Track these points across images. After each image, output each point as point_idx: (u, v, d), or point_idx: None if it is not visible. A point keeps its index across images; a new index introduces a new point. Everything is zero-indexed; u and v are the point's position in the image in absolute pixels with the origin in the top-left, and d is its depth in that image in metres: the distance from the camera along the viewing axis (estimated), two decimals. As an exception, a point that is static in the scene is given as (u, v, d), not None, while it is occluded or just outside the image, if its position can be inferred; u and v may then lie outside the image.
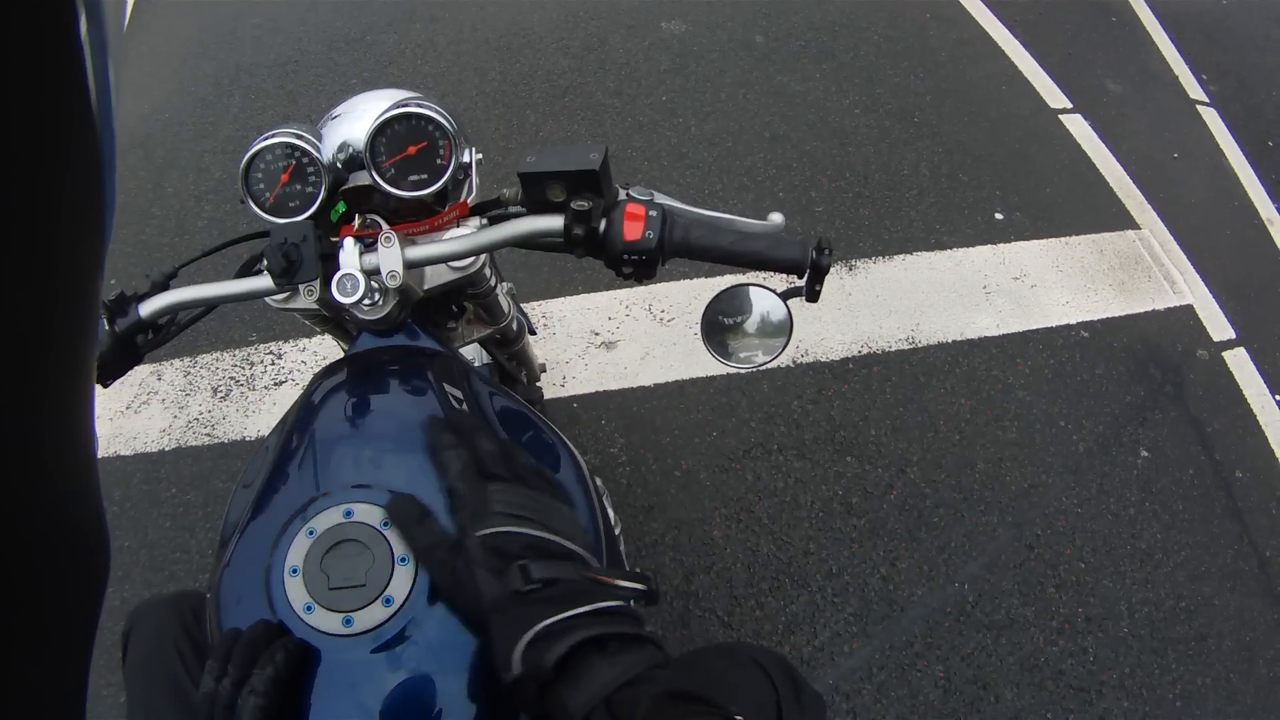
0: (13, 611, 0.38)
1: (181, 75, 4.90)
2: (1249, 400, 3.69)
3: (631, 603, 0.97)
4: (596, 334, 3.43)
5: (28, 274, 0.35)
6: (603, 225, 1.22)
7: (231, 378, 3.37)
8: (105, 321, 1.32)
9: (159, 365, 3.41)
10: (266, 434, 3.13)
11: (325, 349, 3.38)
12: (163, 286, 1.37)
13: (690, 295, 3.50)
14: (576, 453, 1.39)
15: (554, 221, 1.24)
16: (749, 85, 4.74)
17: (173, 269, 1.42)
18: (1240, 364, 3.82)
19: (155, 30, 5.35)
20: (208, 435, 3.20)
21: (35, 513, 0.39)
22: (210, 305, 1.37)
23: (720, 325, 1.35)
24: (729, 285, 1.34)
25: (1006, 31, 5.58)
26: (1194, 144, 5.10)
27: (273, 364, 3.39)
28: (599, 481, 1.46)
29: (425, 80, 4.74)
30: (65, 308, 0.39)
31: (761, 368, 1.34)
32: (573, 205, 1.21)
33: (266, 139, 1.33)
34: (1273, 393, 3.74)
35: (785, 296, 1.31)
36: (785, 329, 1.32)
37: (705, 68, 4.85)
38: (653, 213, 1.21)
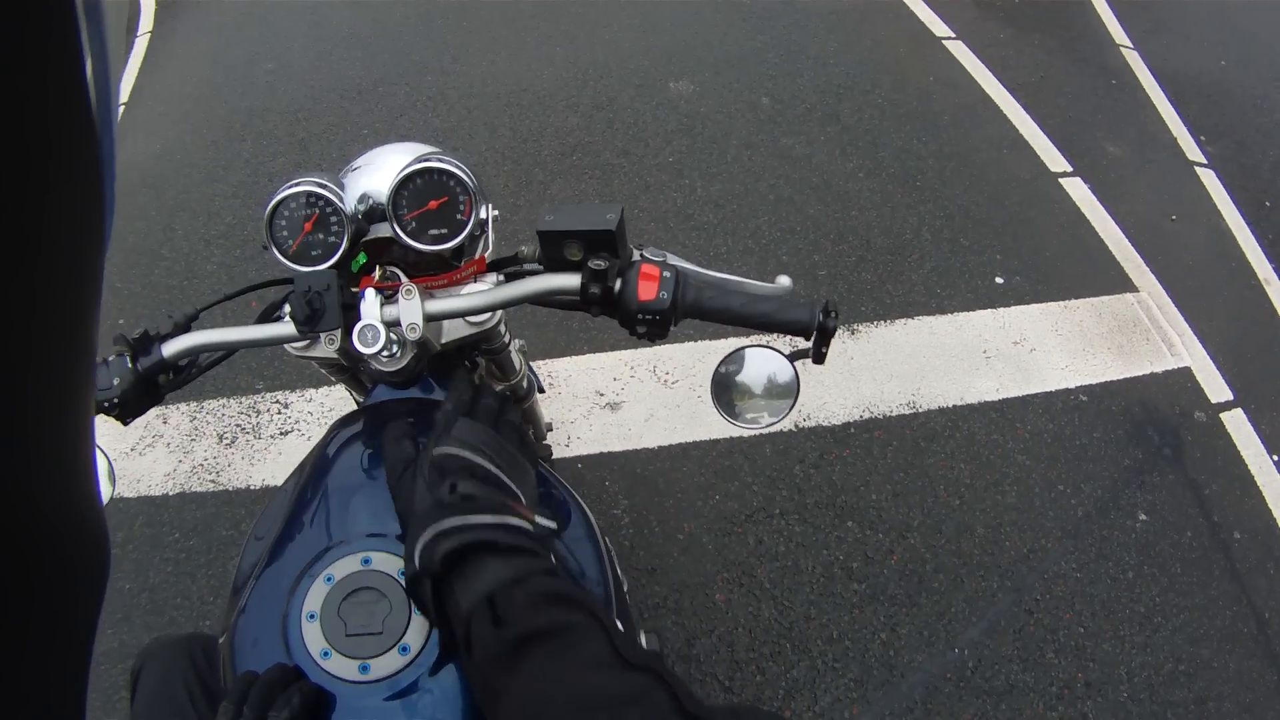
0: (13, 612, 0.39)
1: (194, 117, 5.00)
2: (1247, 461, 3.72)
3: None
4: (601, 395, 3.47)
5: (27, 275, 0.36)
6: (618, 285, 1.24)
7: (238, 425, 3.41)
8: (129, 359, 1.32)
9: (165, 409, 3.44)
10: (271, 483, 3.18)
11: (332, 400, 3.43)
12: (184, 328, 1.38)
13: (695, 358, 3.55)
14: (587, 510, 1.42)
15: (571, 280, 1.26)
16: (755, 147, 4.82)
17: (195, 311, 1.44)
18: (1238, 425, 3.85)
19: (169, 70, 5.46)
20: (212, 481, 3.24)
21: (35, 513, 0.39)
22: (232, 349, 1.39)
23: (729, 386, 1.37)
24: (737, 347, 1.37)
25: (1009, 95, 5.66)
26: (1192, 205, 5.15)
27: (279, 413, 3.43)
28: (608, 540, 1.49)
29: (436, 134, 4.83)
30: (65, 309, 0.40)
31: (769, 428, 1.38)
32: (590, 264, 1.24)
33: (291, 187, 1.34)
34: (1270, 453, 3.77)
35: (792, 358, 1.33)
36: (792, 390, 1.35)
37: (712, 129, 4.94)
38: (667, 274, 1.24)
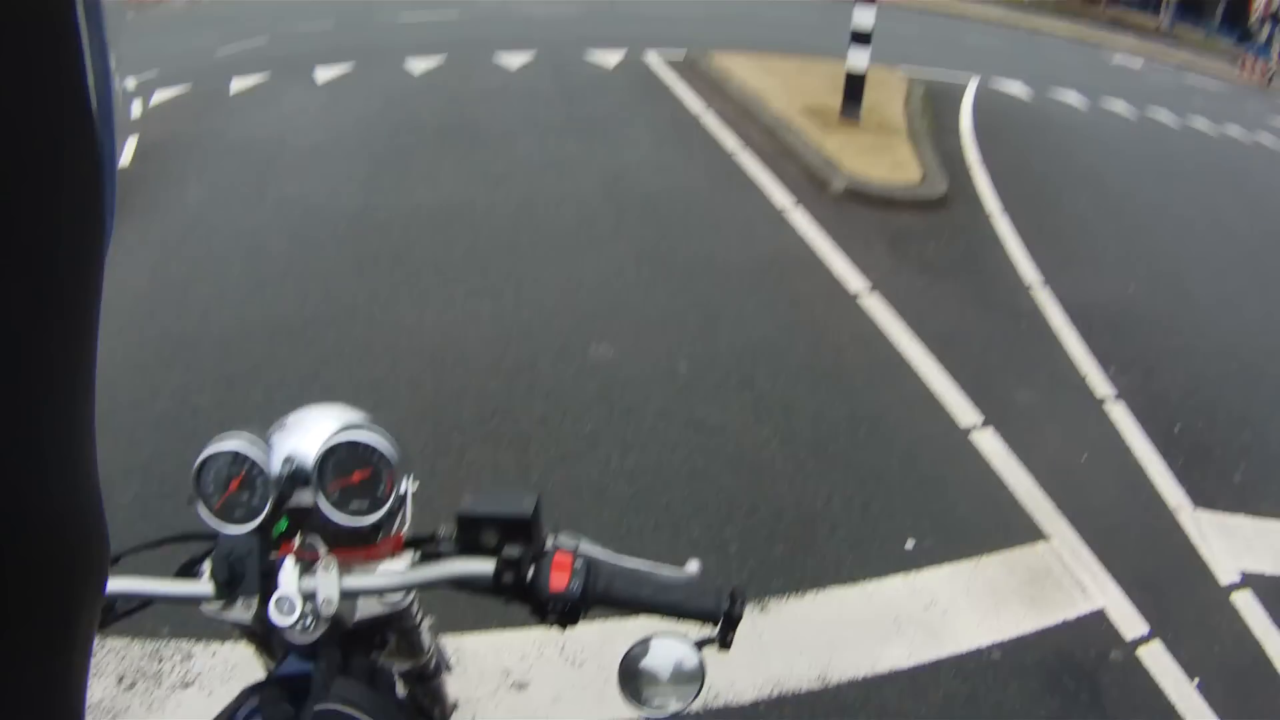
0: (14, 613, 0.42)
1: (126, 335, 5.22)
2: (1166, 692, 3.87)
3: None
4: (509, 673, 3.60)
5: (28, 274, 0.38)
6: (530, 573, 1.32)
7: (139, 669, 3.42)
8: None
9: None
10: None
11: (237, 656, 3.41)
12: None
13: (603, 638, 3.67)
14: None
15: (485, 566, 1.33)
16: (670, 416, 5.17)
17: (115, 556, 1.44)
18: (1155, 657, 4.03)
19: (110, 278, 5.74)
20: None
21: (36, 513, 0.42)
22: (148, 601, 1.41)
23: (635, 673, 1.41)
24: (645, 635, 1.41)
25: (922, 349, 6.07)
26: (1102, 442, 5.49)
27: (182, 663, 3.46)
28: None
29: (360, 385, 5.08)
30: (65, 308, 0.42)
31: (676, 715, 1.54)
32: (504, 554, 1.32)
33: (219, 444, 1.37)
34: (1190, 678, 3.93)
35: (699, 645, 1.38)
36: (698, 676, 1.40)
37: (630, 396, 5.30)
38: (578, 564, 1.33)
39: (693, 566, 1.43)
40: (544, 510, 1.40)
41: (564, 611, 1.34)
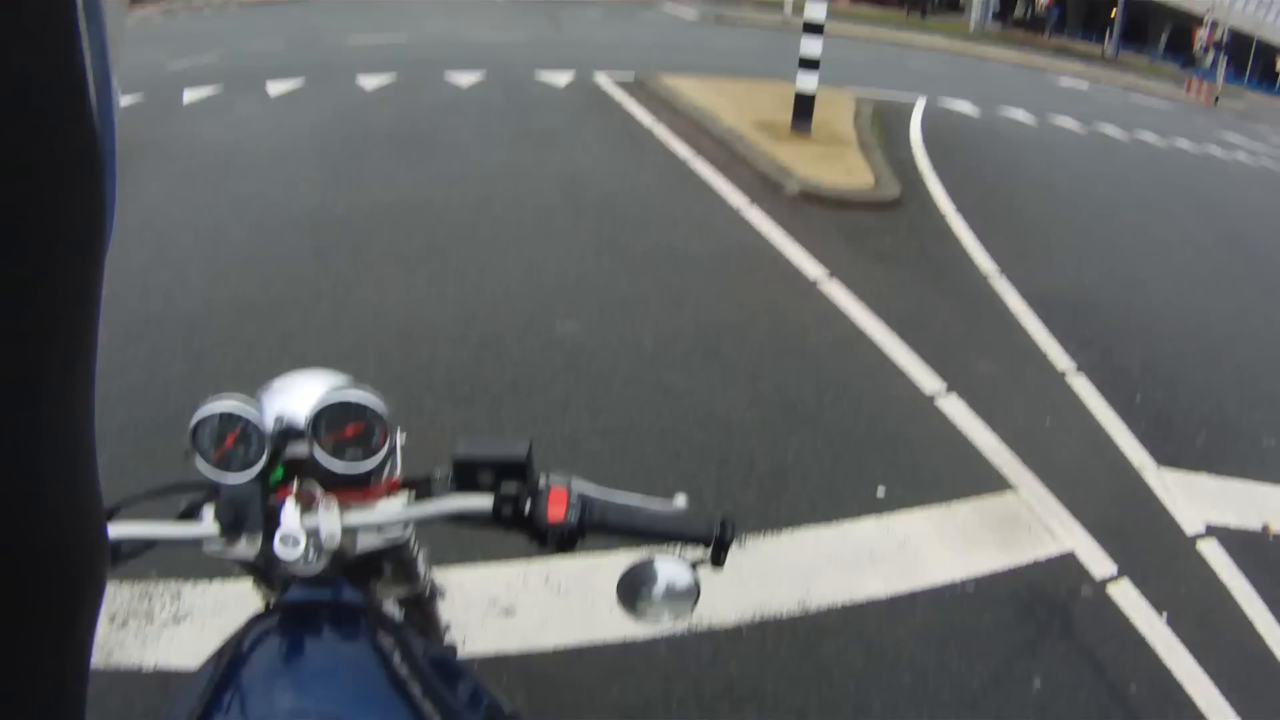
0: (14, 613, 0.42)
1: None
2: (1135, 624, 4.06)
3: None
4: (495, 601, 3.73)
5: (28, 274, 0.38)
6: (528, 507, 1.41)
7: (130, 609, 3.49)
8: None
9: None
10: (164, 666, 3.29)
11: (226, 593, 3.52)
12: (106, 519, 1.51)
13: (586, 569, 3.83)
14: (501, 700, 1.57)
15: (483, 501, 1.42)
16: (638, 382, 5.36)
17: (115, 504, 1.48)
18: (1124, 593, 4.23)
19: None
20: (103, 660, 3.29)
21: (36, 514, 0.42)
22: (151, 544, 1.47)
23: (634, 589, 1.49)
24: (643, 555, 1.49)
25: (883, 327, 6.30)
26: (1065, 409, 5.73)
27: (172, 601, 3.54)
28: None
29: (328, 359, 5.01)
30: (66, 308, 0.42)
31: (671, 626, 1.62)
32: (502, 490, 1.41)
33: (213, 406, 1.42)
34: (1159, 612, 4.14)
35: (694, 565, 1.47)
36: (693, 593, 1.48)
37: (597, 365, 5.48)
38: (573, 497, 1.41)
39: (680, 501, 1.51)
40: (535, 456, 1.49)
41: (562, 539, 1.43)
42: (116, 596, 3.55)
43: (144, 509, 1.48)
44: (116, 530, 1.43)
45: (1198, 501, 5.07)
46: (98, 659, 3.28)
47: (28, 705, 0.45)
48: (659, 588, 1.48)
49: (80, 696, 0.52)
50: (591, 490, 1.48)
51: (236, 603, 1.74)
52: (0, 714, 0.43)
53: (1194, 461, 5.45)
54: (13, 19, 0.35)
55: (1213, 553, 4.66)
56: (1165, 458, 5.39)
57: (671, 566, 1.47)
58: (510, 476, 1.44)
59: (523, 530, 1.44)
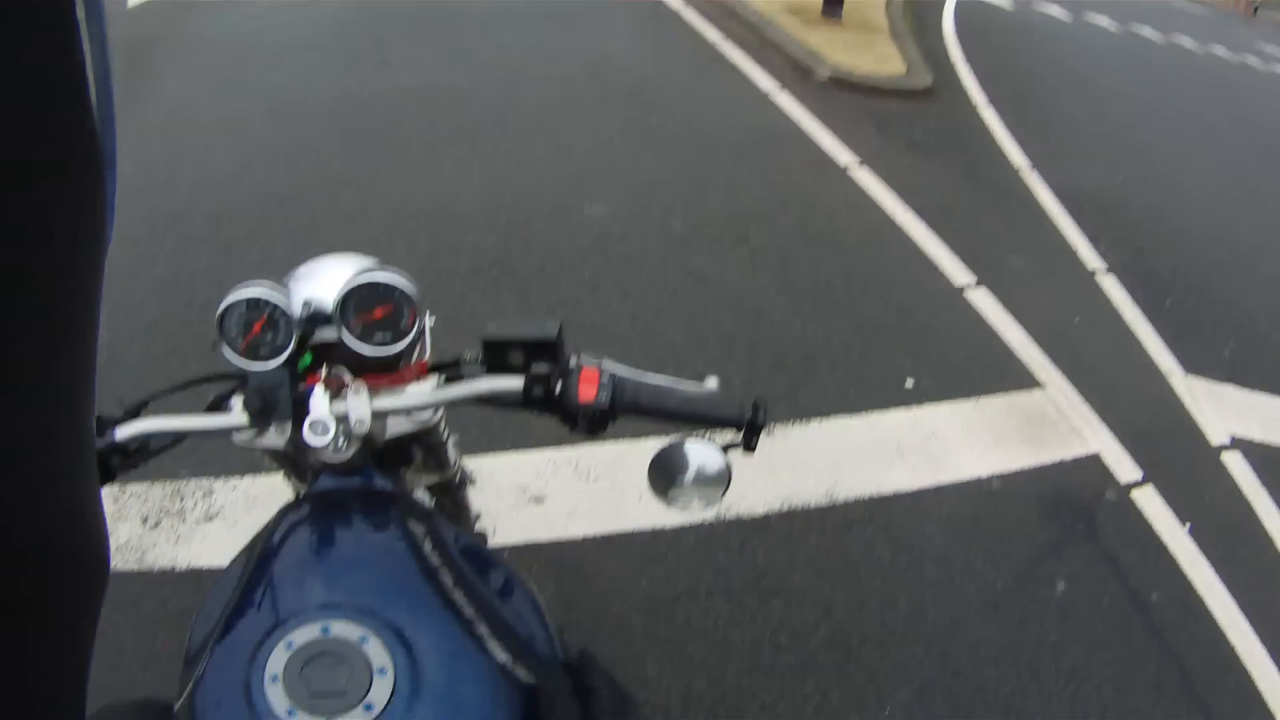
0: (15, 615, 0.42)
1: (117, 212, 5.15)
2: (1159, 532, 4.06)
3: None
4: (525, 490, 3.70)
5: (28, 275, 0.38)
6: (559, 387, 1.38)
7: (162, 509, 3.47)
8: None
9: None
10: (198, 565, 3.27)
11: (258, 489, 3.52)
12: (135, 413, 1.45)
13: (616, 456, 3.81)
14: (532, 587, 1.54)
15: (514, 382, 1.40)
16: (668, 266, 5.25)
17: (146, 398, 1.50)
18: (1149, 500, 4.21)
19: None
20: (137, 561, 3.28)
21: (37, 515, 0.42)
22: (181, 436, 1.46)
23: (664, 473, 1.47)
24: (673, 438, 1.47)
25: (913, 217, 6.17)
26: (1095, 308, 5.64)
27: (204, 499, 3.52)
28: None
29: (356, 245, 4.98)
30: (66, 309, 0.42)
31: (703, 512, 1.56)
32: (533, 370, 1.38)
33: (240, 292, 1.41)
34: (1182, 522, 4.11)
35: (725, 448, 1.44)
36: (724, 478, 1.45)
37: (626, 249, 5.37)
38: (604, 378, 1.38)
39: (712, 382, 1.48)
40: (565, 337, 1.45)
41: (594, 420, 1.40)
42: (148, 497, 3.52)
43: (173, 405, 1.45)
44: (145, 425, 1.42)
45: (1224, 413, 5.02)
46: (131, 563, 3.28)
47: (28, 705, 0.45)
48: (690, 472, 1.45)
49: (80, 696, 0.53)
50: (623, 371, 1.45)
51: (269, 498, 1.70)
52: (0, 714, 0.43)
53: (1221, 372, 5.39)
54: (13, 18, 0.35)
55: (1237, 465, 4.63)
56: (1193, 365, 5.33)
57: (703, 450, 1.44)
58: (541, 357, 1.41)
59: (553, 412, 1.41)
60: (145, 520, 3.45)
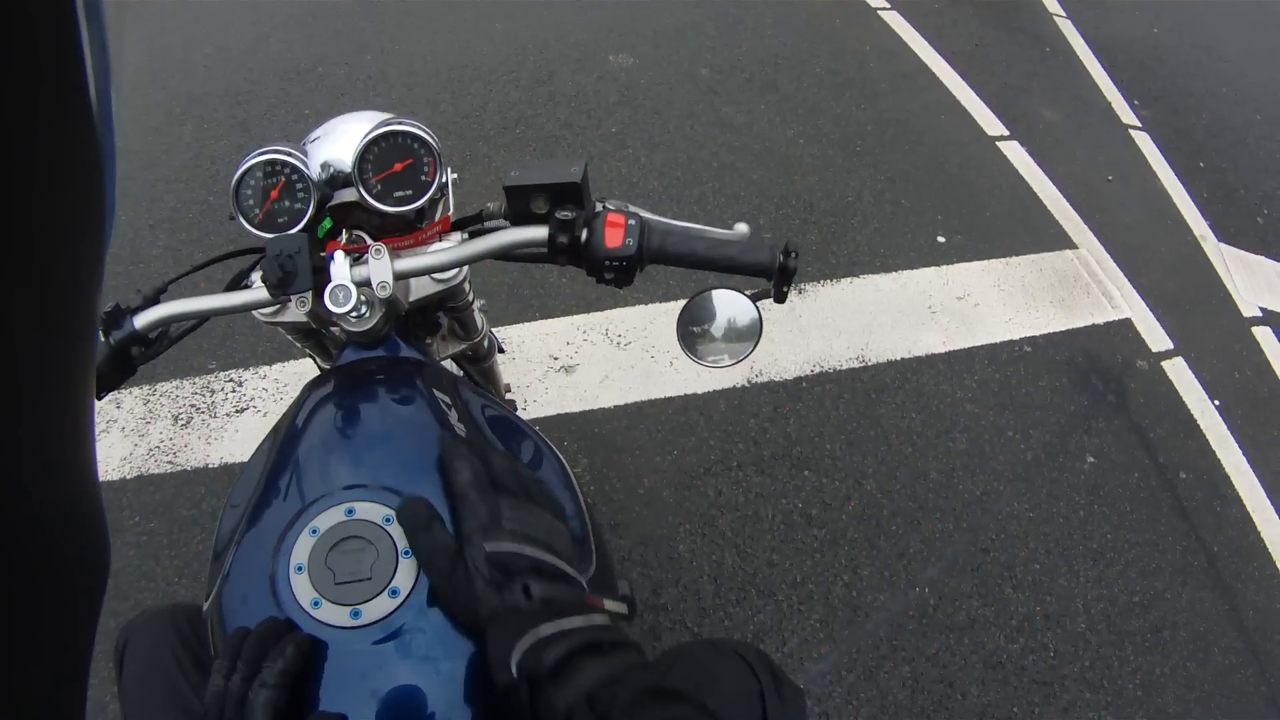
0: (14, 614, 0.40)
1: (132, 104, 4.95)
2: (1189, 407, 3.93)
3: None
4: (555, 358, 3.56)
5: (28, 275, 0.37)
6: (584, 234, 1.30)
7: (192, 405, 3.41)
8: (101, 333, 1.32)
9: (118, 394, 3.42)
10: (230, 461, 3.21)
11: (287, 375, 3.46)
12: (154, 300, 1.42)
13: (646, 320, 3.65)
14: (562, 458, 1.46)
15: (538, 232, 1.31)
16: (695, 117, 4.97)
17: (164, 284, 1.47)
18: (1179, 373, 4.07)
19: None
20: (170, 463, 3.24)
21: (35, 514, 0.40)
22: (203, 318, 1.43)
23: (693, 325, 1.44)
24: (701, 289, 1.43)
25: (945, 64, 5.85)
26: (1128, 166, 5.39)
27: (234, 391, 3.45)
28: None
29: (379, 109, 4.83)
30: (65, 309, 0.41)
31: (734, 365, 1.47)
32: (557, 215, 1.29)
33: (256, 157, 1.38)
34: (1211, 399, 3.98)
35: (755, 298, 1.39)
36: (755, 331, 1.42)
37: (653, 100, 5.08)
38: (632, 222, 1.30)
39: (741, 228, 1.44)
40: (590, 180, 1.35)
41: (620, 269, 1.31)
42: (178, 395, 3.45)
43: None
44: (163, 310, 1.38)
45: (1256, 284, 4.84)
46: (164, 465, 3.23)
47: (28, 705, 0.43)
48: (719, 324, 1.44)
49: (80, 696, 0.49)
50: (650, 217, 1.38)
51: (297, 384, 1.56)
52: (0, 714, 0.41)
53: (1254, 242, 5.18)
54: (11, 18, 0.32)
55: (1267, 340, 4.49)
56: (1226, 233, 5.11)
57: (733, 300, 1.42)
58: (565, 201, 1.32)
59: (579, 262, 1.33)
60: (176, 419, 3.38)
